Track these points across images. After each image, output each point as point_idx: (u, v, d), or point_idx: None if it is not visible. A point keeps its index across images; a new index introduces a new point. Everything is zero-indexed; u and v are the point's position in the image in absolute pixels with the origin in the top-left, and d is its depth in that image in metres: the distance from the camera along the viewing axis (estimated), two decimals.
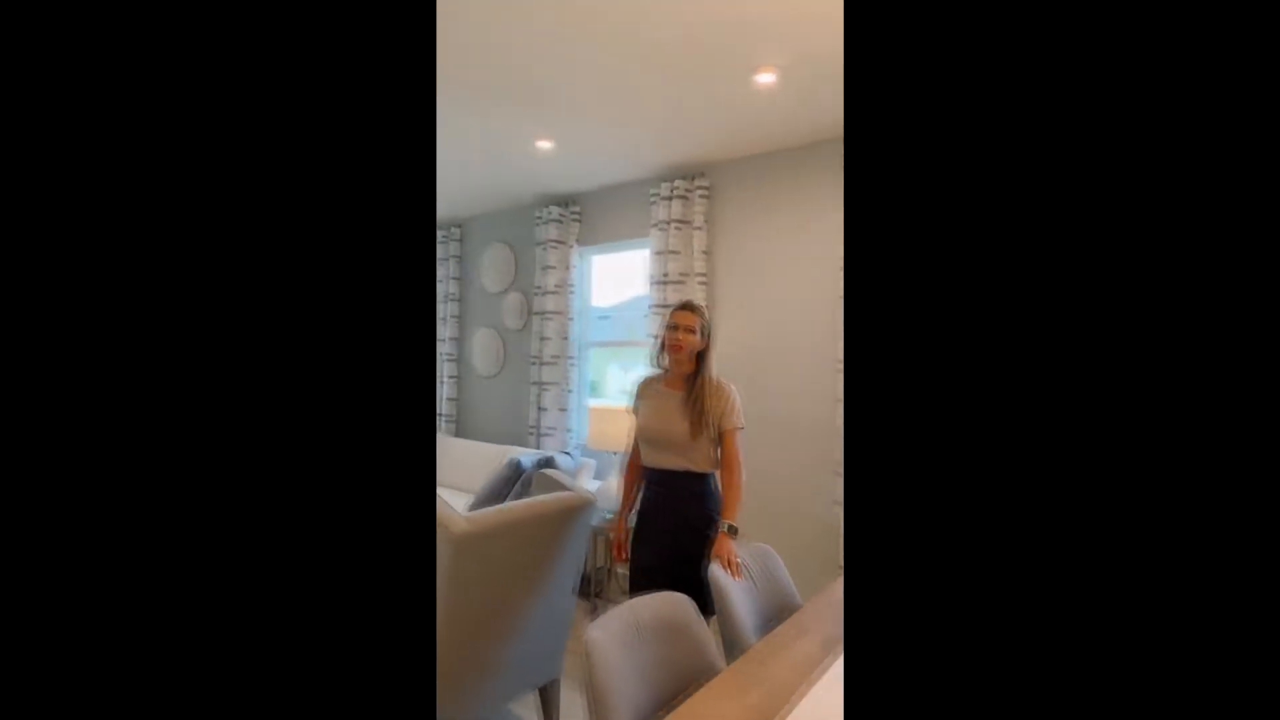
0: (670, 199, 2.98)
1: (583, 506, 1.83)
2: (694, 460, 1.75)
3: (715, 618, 1.45)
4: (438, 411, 4.18)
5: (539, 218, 3.58)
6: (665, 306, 2.95)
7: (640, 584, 1.69)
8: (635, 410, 1.87)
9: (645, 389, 1.88)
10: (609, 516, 2.56)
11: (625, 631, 1.18)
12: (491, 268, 4.00)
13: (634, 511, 1.92)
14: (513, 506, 1.73)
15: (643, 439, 1.85)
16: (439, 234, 4.23)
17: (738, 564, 1.56)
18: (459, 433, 4.15)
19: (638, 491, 1.91)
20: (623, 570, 3.07)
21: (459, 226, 4.22)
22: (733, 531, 1.64)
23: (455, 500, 3.15)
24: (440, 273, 4.24)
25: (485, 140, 2.74)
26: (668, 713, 1.02)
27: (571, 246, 3.48)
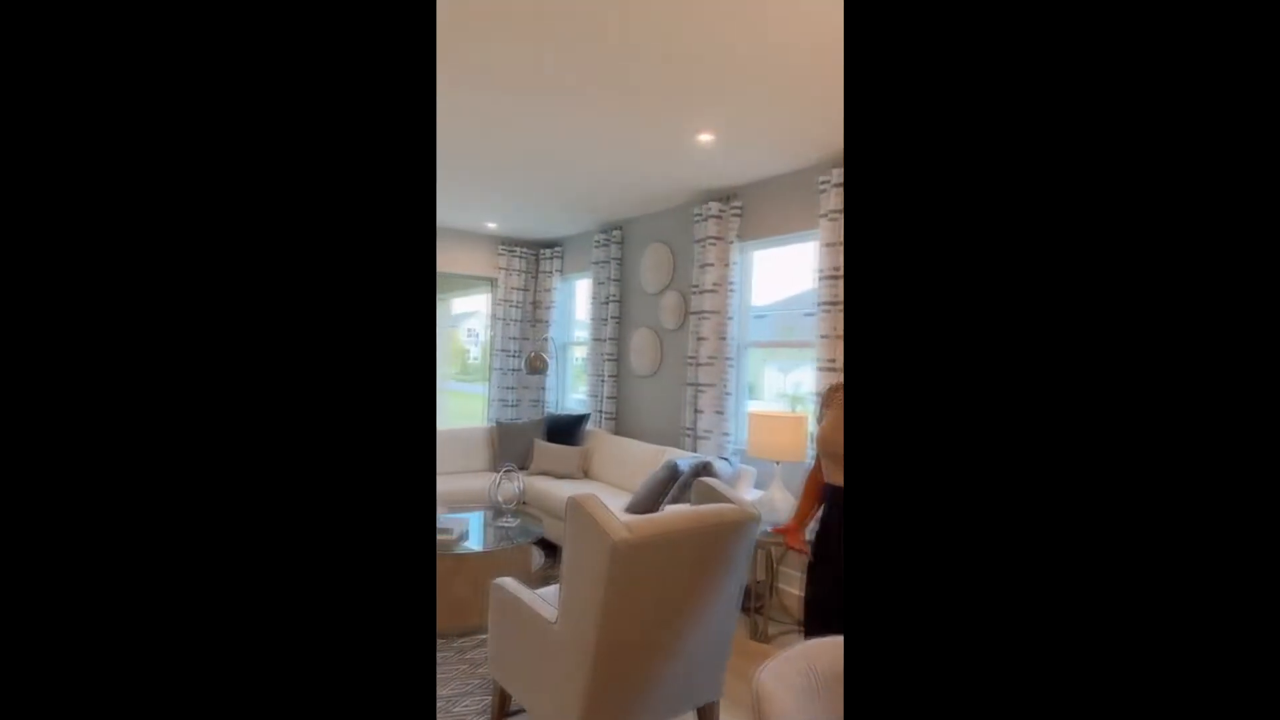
0: (842, 186, 2.71)
1: (747, 522, 1.69)
2: None
3: None
4: (598, 409, 4.30)
5: (698, 215, 3.49)
6: (835, 303, 2.69)
7: (816, 620, 1.51)
8: (820, 419, 1.68)
9: (832, 397, 1.69)
10: (768, 531, 2.38)
11: (801, 680, 1.02)
12: (650, 268, 4.00)
13: (811, 529, 1.74)
14: (672, 516, 1.64)
15: (824, 453, 1.66)
16: (600, 237, 4.35)
17: None
18: (618, 431, 4.22)
19: (816, 510, 1.72)
20: (785, 586, 2.86)
21: (619, 229, 4.30)
22: None
23: (612, 498, 3.18)
24: (601, 275, 4.35)
25: (646, 138, 2.71)
26: None
27: (731, 243, 3.34)
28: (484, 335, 5.36)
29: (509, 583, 1.86)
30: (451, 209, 4.20)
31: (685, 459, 2.92)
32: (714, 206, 3.38)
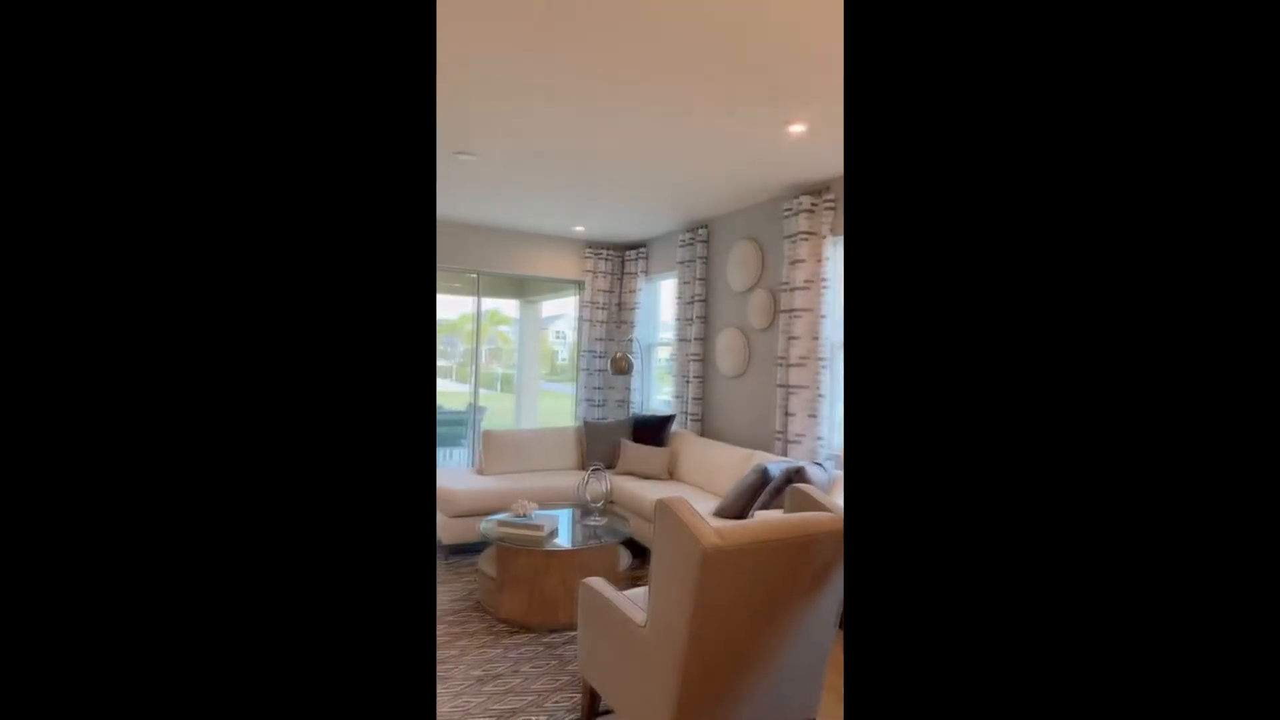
0: None
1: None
2: None
3: None
4: (683, 410, 4.26)
5: (788, 210, 3.37)
6: None
7: None
8: None
9: None
10: None
11: None
12: (737, 266, 3.91)
13: None
14: (765, 523, 1.57)
15: None
16: (685, 236, 4.31)
17: None
18: (704, 433, 4.16)
19: None
20: None
21: (704, 227, 4.24)
22: None
23: (699, 502, 3.13)
24: (686, 274, 4.31)
25: (733, 131, 2.64)
26: None
27: (824, 237, 3.19)
28: (571, 337, 5.48)
29: (598, 583, 1.86)
30: (541, 215, 4.32)
31: (776, 463, 2.81)
32: (805, 200, 3.24)
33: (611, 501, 3.56)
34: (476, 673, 2.19)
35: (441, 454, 5.92)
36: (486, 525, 2.80)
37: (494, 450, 3.89)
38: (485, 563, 2.78)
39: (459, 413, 5.68)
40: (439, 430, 5.51)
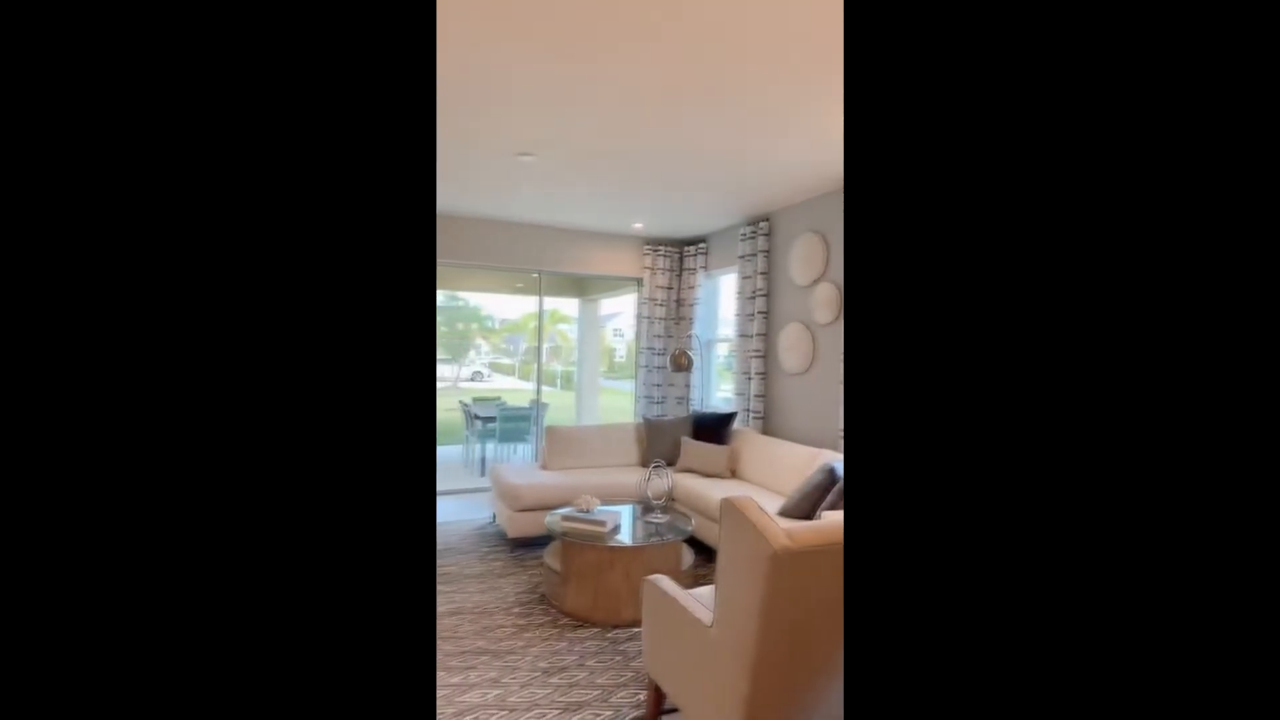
0: None
1: None
2: None
3: None
4: (745, 408, 4.19)
5: None
6: None
7: None
8: None
9: None
10: None
11: None
12: (800, 260, 3.81)
13: None
14: (836, 524, 1.52)
15: None
16: (746, 230, 4.23)
17: None
18: (766, 430, 4.08)
19: None
20: None
21: (766, 220, 4.15)
22: None
23: (762, 499, 3.07)
24: (748, 269, 4.23)
25: (796, 123, 2.56)
26: None
27: None
28: (629, 334, 5.50)
29: (664, 581, 1.85)
30: (600, 213, 4.35)
31: (843, 462, 2.72)
32: None
33: (673, 499, 3.54)
34: (543, 664, 2.23)
35: (506, 449, 6.08)
36: (551, 519, 2.85)
37: (557, 446, 3.96)
38: (550, 556, 2.83)
39: (523, 409, 5.81)
40: (504, 426, 5.65)
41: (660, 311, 5.12)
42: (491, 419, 5.64)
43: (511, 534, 3.39)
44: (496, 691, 2.05)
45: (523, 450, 6.22)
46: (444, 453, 5.99)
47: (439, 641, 2.38)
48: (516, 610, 2.68)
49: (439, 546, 3.47)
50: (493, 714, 1.93)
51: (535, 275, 5.07)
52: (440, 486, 4.83)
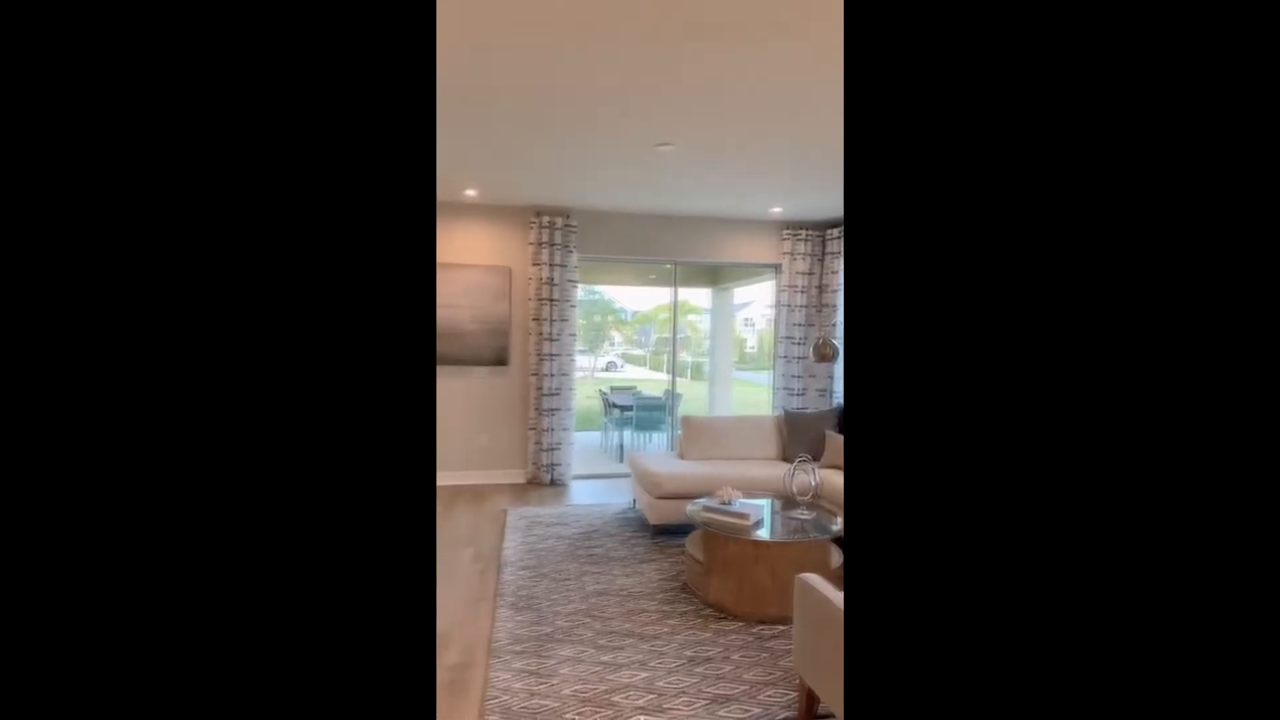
0: None
1: None
2: None
3: None
4: None
5: None
6: None
7: None
8: None
9: None
10: None
11: None
12: None
13: None
14: None
15: None
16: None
17: None
18: None
19: None
20: None
21: None
22: None
23: None
24: None
25: None
26: None
27: None
28: (760, 324, 5.33)
29: (817, 580, 1.76)
30: (738, 198, 4.25)
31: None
32: None
33: (818, 496, 3.39)
34: (689, 653, 2.23)
35: (641, 438, 6.22)
36: (692, 509, 2.84)
37: (693, 436, 3.95)
38: (692, 546, 2.83)
39: (657, 399, 5.90)
40: (640, 415, 5.78)
41: (800, 299, 4.90)
42: (628, 408, 5.80)
43: (652, 520, 3.45)
44: (644, 674, 2.09)
45: (657, 439, 6.32)
46: (583, 438, 6.26)
47: (588, 619, 2.48)
48: (660, 596, 2.71)
49: (585, 528, 3.62)
50: (641, 695, 1.97)
51: (669, 266, 5.10)
52: (581, 470, 5.06)
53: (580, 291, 4.80)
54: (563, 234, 4.58)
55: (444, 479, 4.63)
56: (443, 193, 4.25)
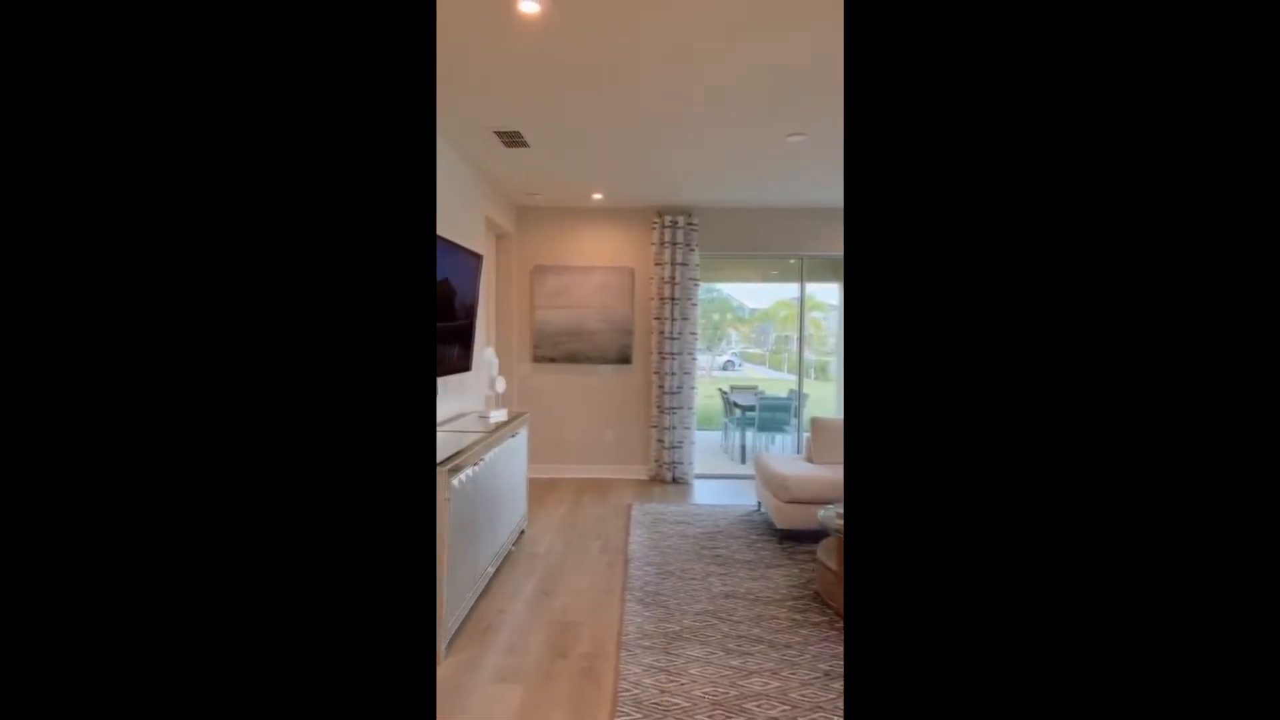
0: None
1: None
2: None
3: None
4: None
5: None
6: None
7: None
8: None
9: None
10: None
11: None
12: None
13: None
14: None
15: None
16: None
17: None
18: None
19: None
20: None
21: None
22: None
23: None
24: None
25: None
26: None
27: None
28: None
29: None
30: None
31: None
32: None
33: None
34: (824, 666, 2.12)
35: (763, 439, 6.06)
36: (825, 515, 2.71)
37: (823, 438, 3.77)
38: (824, 554, 2.69)
39: (782, 399, 5.72)
40: (763, 415, 5.64)
41: None
42: (750, 408, 5.67)
43: (779, 524, 3.34)
44: (776, 683, 2.02)
45: (780, 440, 6.12)
46: (704, 437, 6.23)
47: (716, 620, 2.45)
48: (790, 604, 2.61)
49: (709, 528, 3.60)
50: (775, 705, 1.90)
51: (794, 260, 4.91)
52: (703, 469, 5.03)
53: (700, 290, 4.77)
54: (684, 232, 4.57)
55: (571, 471, 4.83)
56: (572, 197, 4.43)
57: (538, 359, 4.78)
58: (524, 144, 3.15)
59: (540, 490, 4.40)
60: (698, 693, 1.96)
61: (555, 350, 4.77)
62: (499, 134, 3.01)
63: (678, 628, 2.39)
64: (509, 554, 3.12)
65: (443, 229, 3.10)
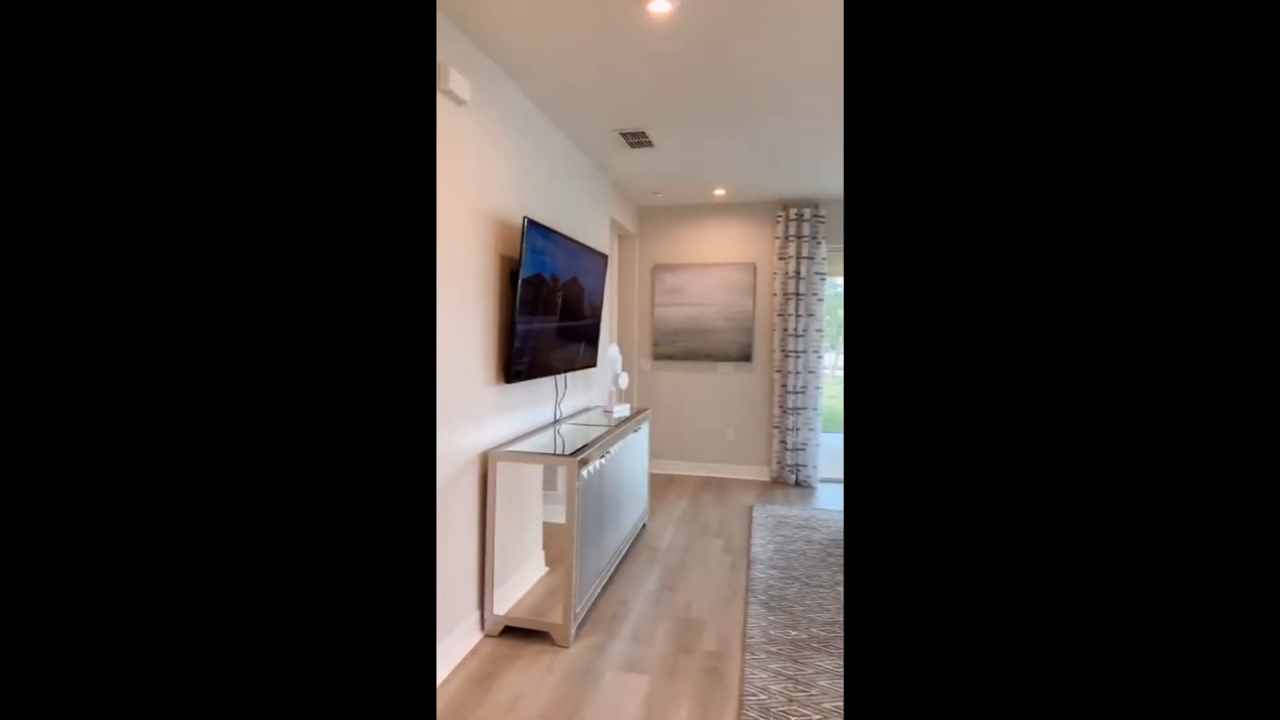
0: None
1: None
2: None
3: None
4: None
5: None
6: None
7: None
8: None
9: None
10: None
11: None
12: None
13: None
14: None
15: None
16: None
17: None
18: None
19: None
20: None
21: None
22: None
23: None
24: None
25: None
26: None
27: None
28: None
29: None
30: None
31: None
32: None
33: None
34: None
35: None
36: None
37: None
38: None
39: None
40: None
41: None
42: None
43: None
44: None
45: None
46: (830, 440, 5.95)
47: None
48: None
49: (835, 534, 3.42)
50: None
51: None
52: (828, 474, 4.80)
53: (827, 285, 4.55)
54: (810, 225, 4.39)
55: (691, 469, 4.83)
56: (693, 194, 4.42)
57: (657, 356, 4.84)
58: (648, 143, 3.20)
59: (660, 486, 4.45)
60: (828, 705, 1.87)
61: (674, 348, 4.80)
62: (624, 134, 3.08)
63: (805, 635, 2.30)
64: (631, 547, 3.18)
65: (570, 230, 3.23)
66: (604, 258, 3.37)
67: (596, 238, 3.71)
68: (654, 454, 4.90)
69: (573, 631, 2.24)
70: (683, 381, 4.83)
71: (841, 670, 2.07)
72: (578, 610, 2.29)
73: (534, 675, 2.03)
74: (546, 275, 2.59)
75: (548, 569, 2.77)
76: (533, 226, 2.39)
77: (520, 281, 2.35)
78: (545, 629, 2.25)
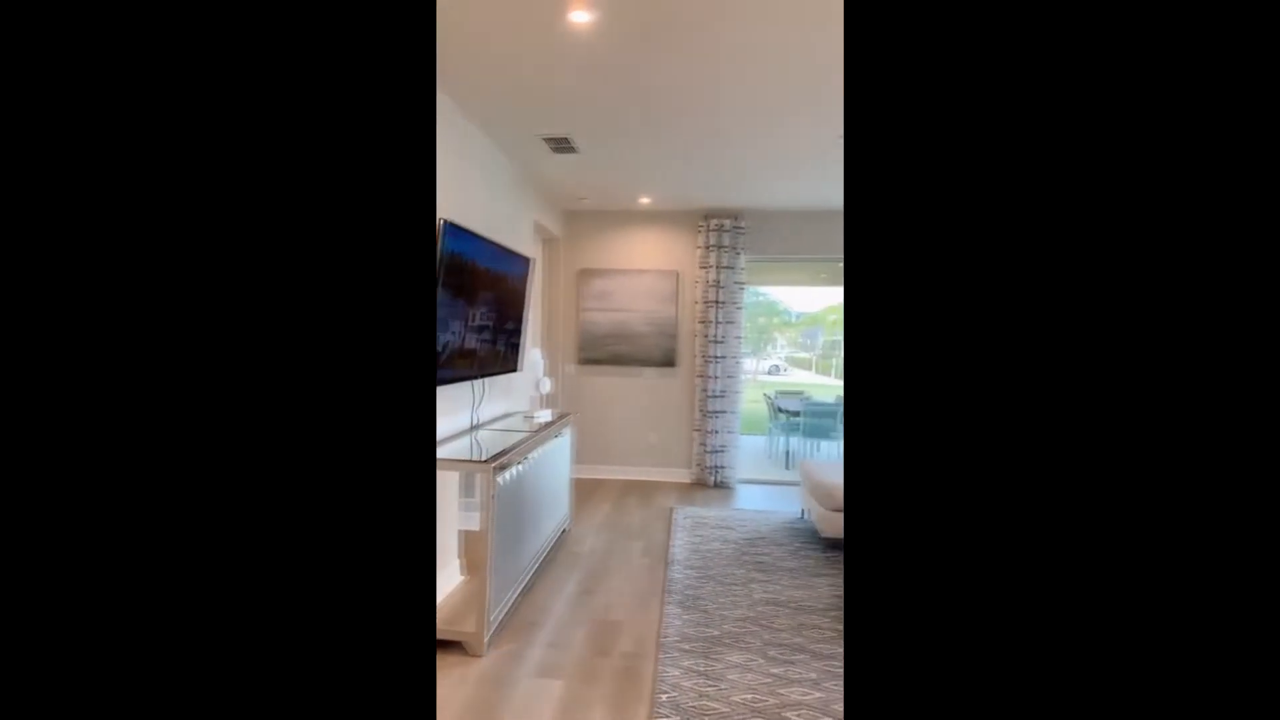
0: None
1: None
2: None
3: None
4: None
5: None
6: None
7: None
8: None
9: None
10: None
11: None
12: None
13: None
14: None
15: None
16: None
17: None
18: None
19: None
20: None
21: None
22: None
23: None
24: None
25: None
26: None
27: None
28: None
29: None
30: None
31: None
32: None
33: None
34: None
35: (808, 445, 5.95)
36: None
37: None
38: None
39: (828, 405, 5.60)
40: (808, 421, 5.54)
41: None
42: (797, 413, 5.58)
43: (825, 533, 3.27)
44: (819, 694, 1.98)
45: (826, 447, 5.99)
46: (749, 442, 6.17)
47: (756, 628, 2.42)
48: (834, 614, 2.56)
49: (751, 533, 3.56)
50: (817, 717, 1.87)
51: (843, 264, 4.80)
52: (747, 474, 4.98)
53: (746, 294, 4.73)
54: (731, 236, 4.55)
55: (615, 473, 4.87)
56: (619, 201, 4.47)
57: (583, 361, 4.85)
58: (572, 149, 3.21)
59: (584, 491, 4.46)
60: (737, 699, 1.95)
61: (601, 352, 4.83)
62: (548, 140, 3.08)
63: (718, 633, 2.38)
64: (551, 552, 3.18)
65: (493, 234, 3.19)
66: (527, 260, 3.35)
67: (519, 241, 3.68)
68: (580, 459, 4.90)
69: (486, 639, 2.22)
70: (609, 386, 4.87)
71: (750, 664, 2.16)
72: (493, 618, 2.26)
73: (446, 686, 1.99)
74: (466, 278, 2.55)
75: (465, 577, 2.72)
76: (452, 229, 2.34)
77: (440, 284, 2.30)
78: (459, 638, 2.21)
